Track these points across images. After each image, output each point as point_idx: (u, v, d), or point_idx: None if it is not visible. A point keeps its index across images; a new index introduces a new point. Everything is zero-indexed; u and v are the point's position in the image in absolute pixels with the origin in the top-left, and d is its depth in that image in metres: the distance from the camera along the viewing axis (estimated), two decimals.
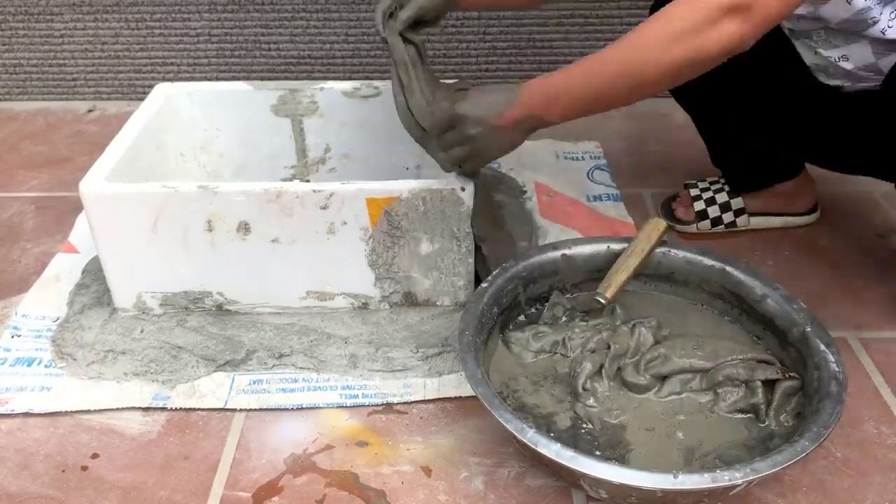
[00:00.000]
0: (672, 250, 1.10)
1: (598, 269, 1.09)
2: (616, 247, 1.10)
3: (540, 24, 1.72)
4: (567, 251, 1.10)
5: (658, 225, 1.08)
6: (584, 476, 0.79)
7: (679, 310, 1.10)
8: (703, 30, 0.81)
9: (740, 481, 0.77)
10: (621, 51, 0.86)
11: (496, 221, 1.29)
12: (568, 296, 1.10)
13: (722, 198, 1.32)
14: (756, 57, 0.96)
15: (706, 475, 0.77)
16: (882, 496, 0.90)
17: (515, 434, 0.82)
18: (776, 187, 1.30)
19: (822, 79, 1.06)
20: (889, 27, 0.93)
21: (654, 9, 1.14)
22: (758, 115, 1.18)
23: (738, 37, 0.81)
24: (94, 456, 0.95)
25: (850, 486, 0.91)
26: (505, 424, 0.83)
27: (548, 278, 1.10)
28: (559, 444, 0.80)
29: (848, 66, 1.00)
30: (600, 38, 1.73)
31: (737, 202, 1.32)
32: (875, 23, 0.93)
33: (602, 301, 1.04)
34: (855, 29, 0.96)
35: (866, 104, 1.02)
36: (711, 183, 1.35)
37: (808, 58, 1.05)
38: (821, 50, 1.02)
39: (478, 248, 1.09)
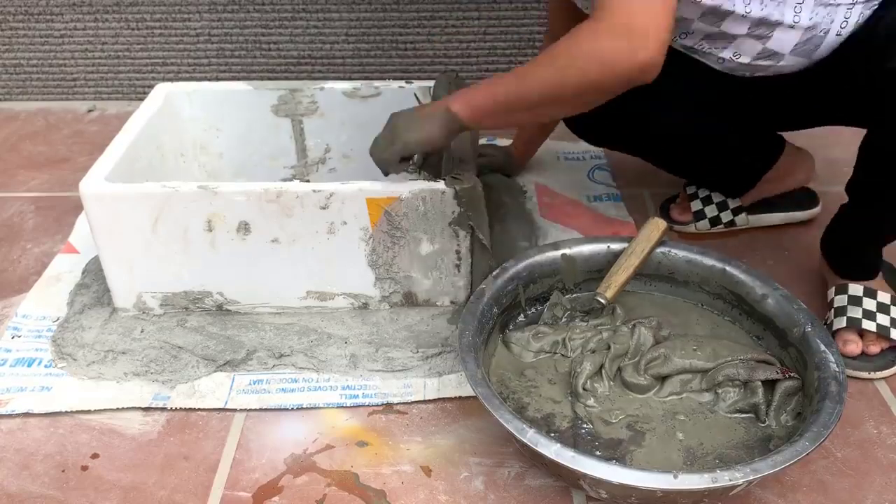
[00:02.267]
0: (672, 250, 1.10)
1: (598, 269, 1.09)
2: (616, 247, 1.10)
3: (540, 24, 1.72)
4: (567, 251, 1.10)
5: (658, 225, 1.08)
6: (585, 476, 0.80)
7: (679, 310, 1.10)
8: (604, 52, 0.85)
9: (740, 481, 0.77)
10: (529, 70, 0.91)
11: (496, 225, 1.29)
12: (568, 296, 1.10)
13: (718, 197, 1.32)
14: (675, 85, 1.02)
15: (706, 475, 0.77)
16: (882, 496, 0.90)
17: (515, 434, 0.82)
18: (767, 174, 1.29)
19: (743, 75, 1.08)
20: (748, 11, 0.96)
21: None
22: (715, 140, 1.21)
23: (638, 61, 0.84)
24: (94, 456, 0.95)
25: (850, 486, 0.91)
26: (505, 424, 0.83)
27: (548, 278, 1.10)
28: (559, 444, 0.80)
29: (745, 59, 1.03)
30: None
31: (734, 200, 1.32)
32: (731, 11, 0.96)
33: (602, 301, 1.04)
34: (718, 25, 0.99)
35: (795, 82, 1.06)
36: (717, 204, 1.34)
37: (716, 66, 1.07)
38: (715, 53, 1.04)
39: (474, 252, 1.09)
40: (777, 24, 0.97)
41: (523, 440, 0.81)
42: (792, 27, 0.97)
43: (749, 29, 0.99)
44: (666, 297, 1.12)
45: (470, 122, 0.97)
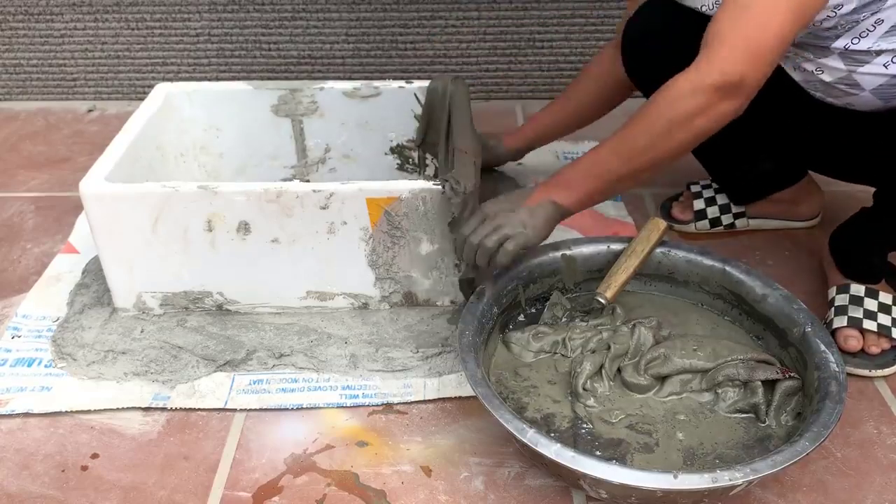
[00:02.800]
0: (672, 250, 1.10)
1: (598, 268, 1.09)
2: (616, 247, 1.10)
3: (540, 24, 1.72)
4: (567, 251, 1.10)
5: (658, 225, 1.08)
6: (585, 476, 0.80)
7: (679, 310, 1.10)
8: (704, 112, 0.86)
9: (740, 481, 0.77)
10: (626, 142, 0.91)
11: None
12: (568, 296, 1.10)
13: (722, 199, 1.32)
14: None
15: (706, 475, 0.77)
16: (882, 496, 0.90)
17: (515, 434, 0.82)
18: (776, 195, 1.29)
19: (813, 93, 1.04)
20: (853, 44, 0.93)
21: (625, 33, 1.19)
22: (752, 133, 1.18)
23: (733, 111, 0.87)
24: (94, 456, 0.95)
25: (850, 486, 0.91)
26: (505, 424, 0.83)
27: (548, 278, 1.10)
28: (559, 444, 0.80)
29: (826, 78, 0.99)
30: (600, 38, 1.73)
31: (738, 206, 1.31)
32: (838, 37, 0.93)
33: (602, 301, 1.04)
34: (816, 43, 0.96)
35: (861, 123, 1.01)
36: (714, 182, 1.35)
37: (794, 75, 1.04)
38: (797, 60, 1.01)
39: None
40: (877, 53, 0.92)
41: (523, 440, 0.81)
42: (886, 66, 0.93)
43: (845, 48, 0.94)
44: (666, 297, 1.12)
45: (576, 209, 0.97)
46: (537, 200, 0.97)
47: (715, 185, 1.34)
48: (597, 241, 1.12)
